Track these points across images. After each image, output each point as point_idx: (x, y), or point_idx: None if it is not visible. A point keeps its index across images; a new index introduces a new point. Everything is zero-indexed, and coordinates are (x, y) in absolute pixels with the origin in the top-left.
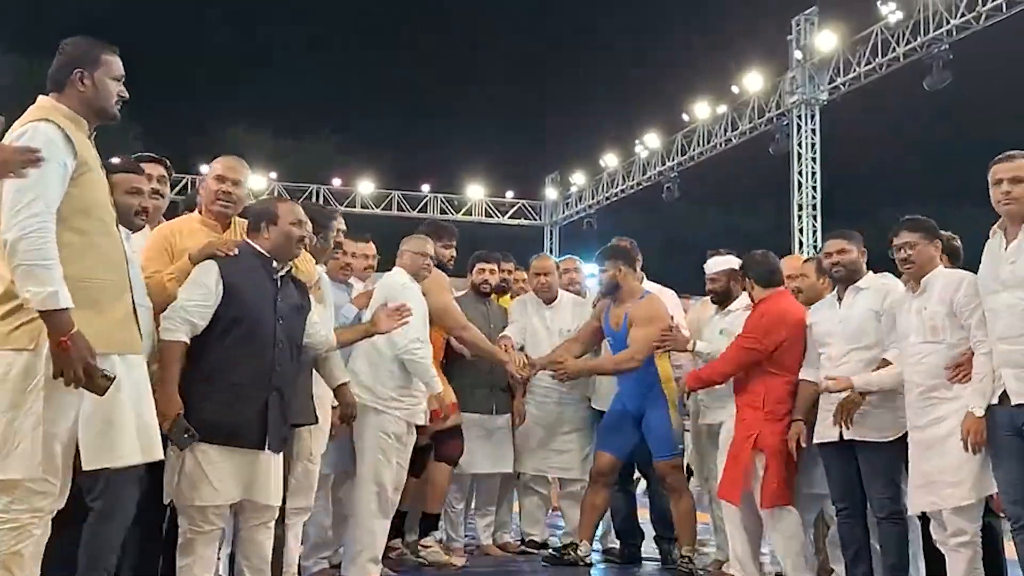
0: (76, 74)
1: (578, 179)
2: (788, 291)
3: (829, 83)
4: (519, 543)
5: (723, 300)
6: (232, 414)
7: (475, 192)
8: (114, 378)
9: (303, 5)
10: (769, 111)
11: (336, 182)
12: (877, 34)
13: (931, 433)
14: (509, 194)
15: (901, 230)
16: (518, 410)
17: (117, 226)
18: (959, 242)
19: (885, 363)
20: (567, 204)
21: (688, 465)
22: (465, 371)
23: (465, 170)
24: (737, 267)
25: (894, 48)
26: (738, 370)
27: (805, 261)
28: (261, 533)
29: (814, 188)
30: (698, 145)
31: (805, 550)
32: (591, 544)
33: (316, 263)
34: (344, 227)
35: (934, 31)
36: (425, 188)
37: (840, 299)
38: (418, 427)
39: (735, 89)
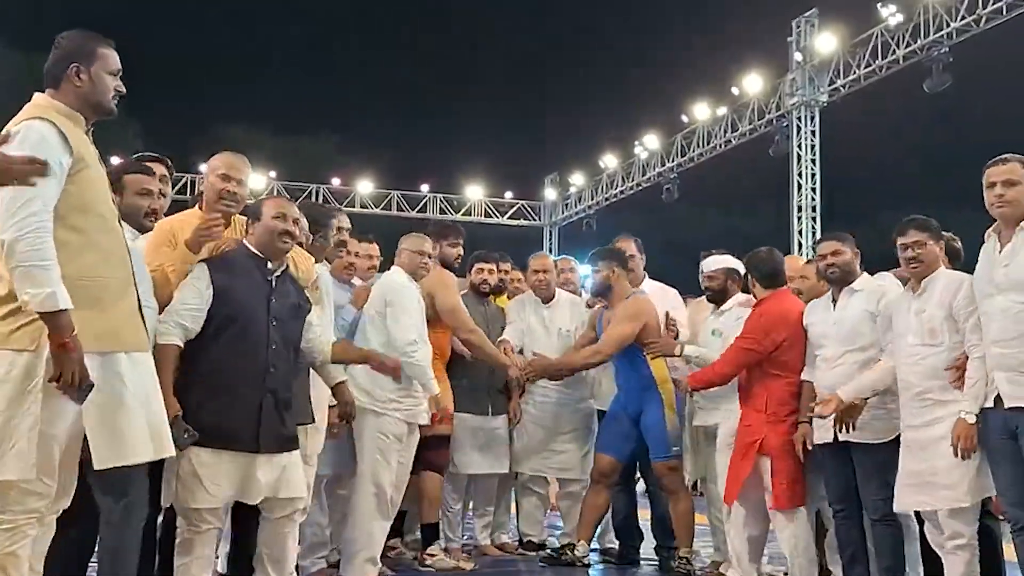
0: (72, 69)
1: (577, 180)
2: (790, 291)
3: (829, 85)
4: (517, 543)
5: (720, 299)
6: (225, 417)
7: (474, 192)
8: (92, 386)
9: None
10: (769, 113)
11: (335, 182)
12: (877, 36)
13: (926, 434)
14: (508, 194)
15: (909, 229)
16: (514, 410)
17: (119, 223)
18: (959, 243)
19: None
20: (566, 205)
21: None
22: (463, 372)
23: (464, 170)
24: (734, 266)
25: (894, 50)
26: (738, 370)
27: (807, 262)
28: (284, 525)
29: (813, 190)
30: (698, 146)
31: (811, 552)
32: (589, 545)
33: (316, 261)
34: (349, 226)
35: (934, 34)
36: (424, 188)
37: (835, 301)
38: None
39: (735, 90)
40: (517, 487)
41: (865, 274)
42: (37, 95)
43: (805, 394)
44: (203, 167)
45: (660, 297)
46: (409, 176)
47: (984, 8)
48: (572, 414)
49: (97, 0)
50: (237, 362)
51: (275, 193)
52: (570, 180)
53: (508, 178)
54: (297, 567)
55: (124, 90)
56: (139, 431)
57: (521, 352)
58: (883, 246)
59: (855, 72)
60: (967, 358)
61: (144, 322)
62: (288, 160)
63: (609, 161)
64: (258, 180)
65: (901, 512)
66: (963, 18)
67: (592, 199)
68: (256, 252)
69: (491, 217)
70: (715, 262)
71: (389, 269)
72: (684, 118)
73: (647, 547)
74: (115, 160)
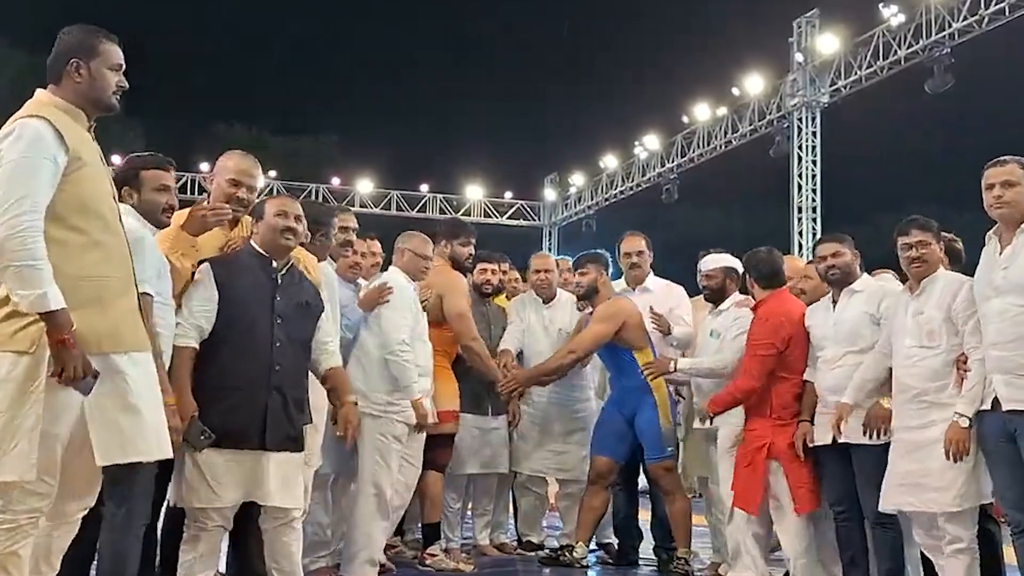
0: (72, 64)
1: (577, 180)
2: (788, 291)
3: (830, 86)
4: (515, 544)
5: (718, 299)
6: (230, 416)
7: (474, 192)
8: (97, 374)
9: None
10: (769, 113)
11: (335, 181)
12: (879, 37)
13: (920, 436)
14: (508, 194)
15: (912, 228)
16: (514, 411)
17: (120, 221)
18: (960, 244)
19: None
20: (566, 205)
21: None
22: (464, 372)
23: (464, 170)
24: (733, 265)
25: (896, 51)
26: (762, 381)
27: (808, 263)
28: (285, 534)
29: (814, 191)
30: (698, 147)
31: (813, 552)
32: (588, 546)
33: (320, 260)
34: (356, 226)
35: (936, 34)
36: (424, 188)
37: (835, 302)
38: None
39: (735, 91)
40: (516, 487)
41: (866, 275)
42: (39, 91)
43: (808, 394)
44: (203, 166)
45: (665, 294)
46: (409, 176)
47: (986, 9)
48: (571, 415)
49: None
50: (242, 361)
51: (275, 193)
52: (570, 180)
53: (508, 178)
54: None
55: (127, 85)
56: (141, 429)
57: (521, 353)
58: (883, 247)
59: (856, 73)
60: (966, 359)
61: (144, 321)
62: (288, 159)
63: (609, 161)
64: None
65: (887, 511)
66: (965, 19)
67: (592, 199)
68: (260, 251)
69: (490, 217)
70: (713, 261)
71: (388, 268)
72: (684, 118)
73: (646, 548)
74: (115, 159)
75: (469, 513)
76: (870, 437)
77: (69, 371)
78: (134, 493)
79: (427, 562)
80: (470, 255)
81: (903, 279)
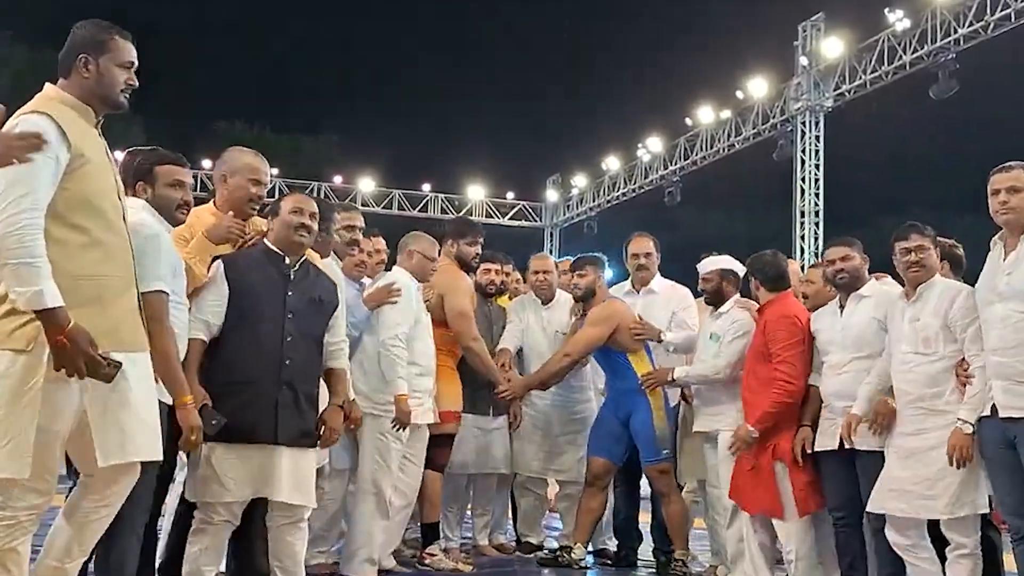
0: (81, 60)
1: (579, 181)
2: (792, 294)
3: (834, 90)
4: (514, 544)
5: (716, 301)
6: (241, 411)
7: (476, 192)
8: (119, 364)
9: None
10: (773, 117)
11: (337, 180)
12: (884, 42)
13: (914, 442)
14: (510, 195)
15: (911, 233)
16: (515, 412)
17: (124, 220)
18: (961, 250)
19: None
20: (568, 206)
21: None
22: (465, 372)
23: (466, 170)
24: (729, 267)
25: (900, 56)
26: (805, 377)
27: (812, 267)
28: (290, 533)
29: (817, 195)
30: (701, 150)
31: (814, 556)
32: (586, 547)
33: (323, 256)
34: (362, 224)
35: (941, 40)
36: (426, 188)
37: (842, 307)
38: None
39: (739, 94)
40: (516, 488)
41: (874, 280)
42: (48, 86)
43: (811, 399)
44: (205, 163)
45: (670, 296)
46: (411, 175)
47: (992, 15)
48: (571, 416)
49: None
50: (253, 356)
51: (276, 191)
52: (572, 181)
53: (510, 179)
54: None
55: (136, 84)
56: (141, 429)
57: (520, 352)
58: (885, 251)
59: (861, 77)
60: (967, 366)
61: (144, 321)
62: (289, 158)
63: (611, 163)
64: None
65: (874, 511)
66: (970, 24)
67: (594, 201)
68: (273, 248)
69: (492, 217)
70: (710, 263)
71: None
72: (688, 121)
73: (645, 549)
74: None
75: (468, 513)
76: (874, 433)
77: (71, 369)
78: (134, 492)
79: (426, 561)
80: (477, 255)
81: (902, 284)
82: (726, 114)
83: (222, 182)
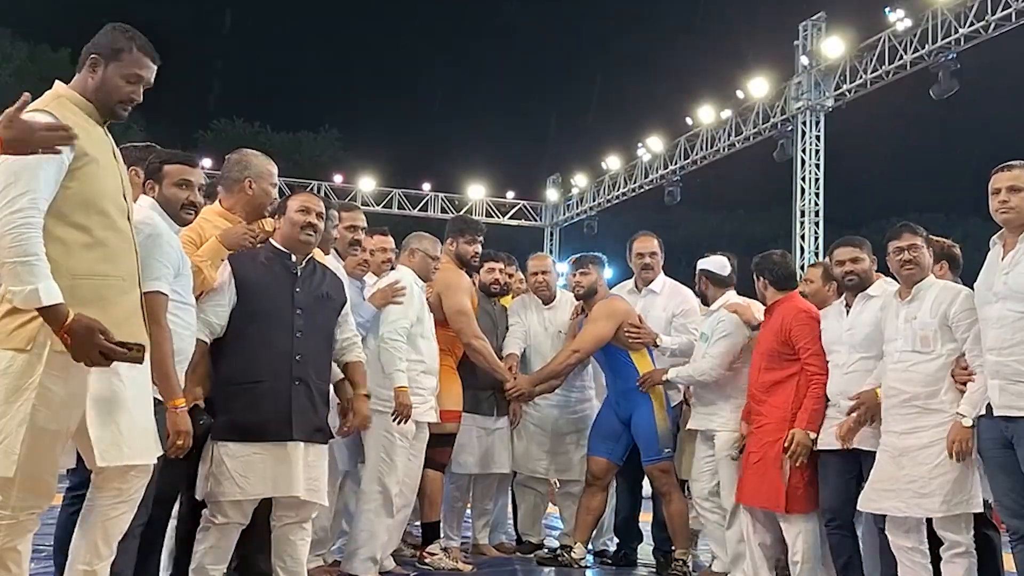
0: (91, 60)
1: (579, 181)
2: (799, 294)
3: (835, 90)
4: (514, 543)
5: (704, 301)
6: (255, 409)
7: (476, 192)
8: (143, 346)
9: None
10: (774, 116)
11: (338, 179)
12: (884, 41)
13: (908, 441)
14: (510, 194)
15: (903, 232)
16: (516, 411)
17: (128, 219)
18: (958, 249)
19: None
20: (568, 206)
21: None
22: (470, 372)
23: (466, 169)
24: (709, 267)
25: (901, 56)
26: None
27: (811, 266)
28: (294, 533)
29: (817, 195)
30: (701, 149)
31: (818, 557)
32: (586, 546)
33: (323, 253)
34: (364, 224)
35: (942, 39)
36: (426, 187)
37: (848, 307)
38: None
39: (740, 94)
40: (516, 487)
41: (881, 280)
42: (57, 83)
43: None
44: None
45: (671, 295)
46: (411, 175)
47: (992, 14)
48: (572, 416)
49: None
50: (263, 353)
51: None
52: (572, 181)
53: (510, 178)
54: None
55: (138, 99)
56: (138, 431)
57: (524, 353)
58: (886, 251)
59: (862, 77)
60: (966, 365)
61: (145, 322)
62: (290, 157)
63: (612, 163)
64: None
65: (866, 511)
66: (971, 24)
67: (594, 200)
68: (280, 248)
69: (492, 217)
70: (700, 264)
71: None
72: (688, 120)
73: (645, 549)
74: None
75: (468, 512)
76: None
77: (87, 362)
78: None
79: (426, 560)
80: (476, 253)
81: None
82: (726, 114)
83: (245, 187)
